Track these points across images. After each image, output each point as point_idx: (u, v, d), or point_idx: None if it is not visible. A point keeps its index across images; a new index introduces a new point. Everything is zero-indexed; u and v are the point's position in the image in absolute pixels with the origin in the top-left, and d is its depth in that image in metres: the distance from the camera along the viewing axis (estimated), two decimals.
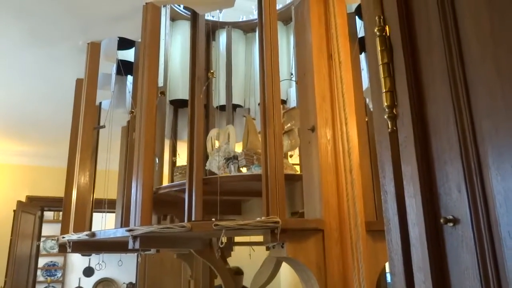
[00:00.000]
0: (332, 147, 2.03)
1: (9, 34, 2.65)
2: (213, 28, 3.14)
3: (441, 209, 0.67)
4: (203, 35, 2.66)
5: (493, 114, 0.60)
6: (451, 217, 0.65)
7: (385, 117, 0.79)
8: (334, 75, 2.10)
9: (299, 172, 2.26)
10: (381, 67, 0.80)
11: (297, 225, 1.88)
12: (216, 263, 2.78)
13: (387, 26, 0.81)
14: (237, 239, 3.00)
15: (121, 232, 2.02)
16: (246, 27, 3.22)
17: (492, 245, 0.59)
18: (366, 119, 2.33)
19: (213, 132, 2.54)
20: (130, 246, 1.96)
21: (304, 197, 2.12)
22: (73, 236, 2.36)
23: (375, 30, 0.82)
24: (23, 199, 5.36)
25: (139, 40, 2.57)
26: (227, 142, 2.41)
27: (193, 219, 2.16)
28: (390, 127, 0.78)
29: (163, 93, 2.77)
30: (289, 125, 2.44)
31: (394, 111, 0.78)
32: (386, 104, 0.79)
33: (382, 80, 0.79)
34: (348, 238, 1.89)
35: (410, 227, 0.71)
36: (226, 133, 2.47)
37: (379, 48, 0.81)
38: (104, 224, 3.27)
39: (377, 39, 0.81)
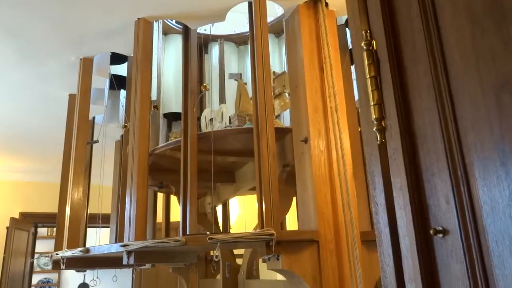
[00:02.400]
0: (326, 157, 2.04)
1: (0, 52, 2.66)
2: (205, 41, 3.16)
3: (431, 220, 0.68)
4: (196, 49, 2.68)
5: (477, 126, 0.61)
6: (440, 228, 0.65)
7: (374, 129, 0.80)
8: (326, 87, 2.12)
9: None
10: (368, 81, 0.81)
11: (292, 237, 1.88)
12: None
13: (373, 40, 0.82)
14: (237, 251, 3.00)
15: (116, 248, 2.01)
16: (238, 40, 3.24)
17: (481, 254, 0.59)
18: (359, 129, 2.36)
19: (206, 112, 2.57)
20: (125, 261, 1.94)
21: (299, 208, 2.12)
22: (67, 253, 2.34)
23: (362, 44, 0.83)
24: (17, 216, 5.31)
25: (132, 55, 2.58)
26: (221, 121, 2.45)
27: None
28: (379, 139, 0.79)
29: (156, 107, 2.78)
30: (278, 89, 2.55)
31: (382, 123, 0.79)
32: (374, 116, 0.80)
33: (370, 93, 0.81)
34: (344, 249, 1.89)
35: (401, 238, 0.72)
36: (220, 112, 2.54)
37: (366, 62, 0.82)
38: (99, 239, 3.25)
39: (364, 53, 0.83)
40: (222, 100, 3.07)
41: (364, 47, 0.83)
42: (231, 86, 3.18)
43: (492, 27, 0.60)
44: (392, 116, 0.76)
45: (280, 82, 2.57)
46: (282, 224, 3.23)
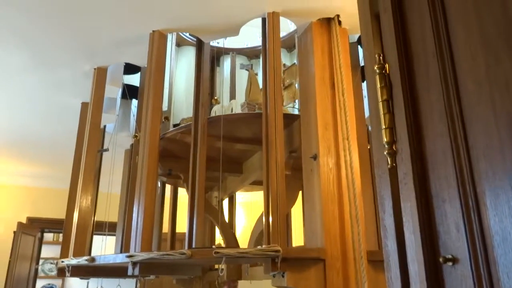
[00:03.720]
0: (335, 175, 2.03)
1: (15, 59, 2.71)
2: (217, 54, 3.20)
3: (441, 248, 0.67)
4: (208, 61, 2.71)
5: (490, 154, 0.61)
6: (450, 256, 0.65)
7: (385, 153, 0.80)
8: (337, 104, 2.13)
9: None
10: (380, 104, 0.81)
11: (298, 254, 1.87)
12: None
13: (386, 64, 0.82)
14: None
15: (121, 258, 2.01)
16: (250, 53, 3.27)
17: (491, 286, 0.59)
18: (368, 147, 2.35)
19: (217, 107, 2.62)
20: (130, 272, 1.94)
21: (306, 225, 2.11)
22: (72, 261, 2.35)
23: (375, 68, 0.84)
24: (24, 220, 5.35)
25: (145, 66, 2.61)
26: None
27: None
28: (389, 163, 0.79)
29: (167, 118, 2.80)
30: (288, 81, 2.64)
31: (393, 147, 0.79)
32: (385, 140, 0.80)
33: (382, 116, 0.81)
34: (350, 269, 1.87)
35: (409, 264, 0.71)
36: (230, 108, 2.60)
37: (378, 85, 0.82)
38: (104, 247, 3.25)
39: (377, 76, 0.83)
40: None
41: (377, 71, 0.83)
42: (242, 99, 3.21)
43: (507, 55, 0.60)
44: (404, 141, 0.76)
45: (290, 74, 2.67)
46: (288, 238, 3.22)
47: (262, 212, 2.04)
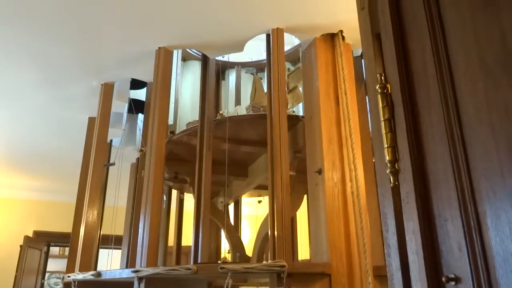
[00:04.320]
0: (340, 189, 2.04)
1: (25, 75, 2.76)
2: (223, 68, 3.23)
3: (443, 267, 0.68)
4: (213, 76, 2.75)
5: (490, 175, 0.62)
6: (452, 275, 0.65)
7: (387, 171, 0.81)
8: (342, 118, 2.14)
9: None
10: (382, 123, 0.83)
11: (303, 269, 1.87)
12: None
13: (388, 83, 0.84)
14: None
15: (127, 273, 2.02)
16: (255, 67, 3.30)
17: None
18: (374, 160, 2.35)
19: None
20: (135, 287, 1.95)
21: (311, 239, 2.11)
22: (78, 276, 2.36)
23: (377, 87, 0.85)
24: (30, 234, 5.37)
25: (151, 81, 2.65)
26: None
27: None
28: (392, 181, 0.80)
29: (173, 132, 2.82)
30: (292, 84, 2.72)
31: (396, 166, 0.80)
32: (388, 159, 0.81)
33: (384, 135, 0.82)
34: (357, 284, 1.86)
35: (413, 283, 0.72)
36: (236, 113, 2.67)
37: (380, 105, 0.84)
38: (110, 261, 3.26)
39: (379, 95, 0.85)
40: None
41: (379, 90, 0.85)
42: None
43: (505, 80, 0.61)
44: (406, 160, 0.77)
45: (294, 77, 2.74)
46: (294, 253, 3.23)
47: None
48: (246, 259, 2.76)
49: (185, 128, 2.87)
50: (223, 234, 3.43)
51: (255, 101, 2.65)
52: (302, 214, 3.70)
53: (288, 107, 2.60)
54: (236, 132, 2.54)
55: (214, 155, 2.44)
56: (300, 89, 2.64)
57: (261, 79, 2.91)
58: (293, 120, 2.38)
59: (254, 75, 2.89)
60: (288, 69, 2.79)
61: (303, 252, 3.56)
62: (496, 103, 0.62)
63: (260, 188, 3.17)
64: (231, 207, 3.64)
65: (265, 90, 2.60)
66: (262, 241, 2.60)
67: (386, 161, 0.81)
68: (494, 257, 0.60)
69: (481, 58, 0.65)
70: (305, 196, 2.59)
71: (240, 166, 3.08)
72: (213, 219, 2.92)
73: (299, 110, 2.81)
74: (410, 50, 0.82)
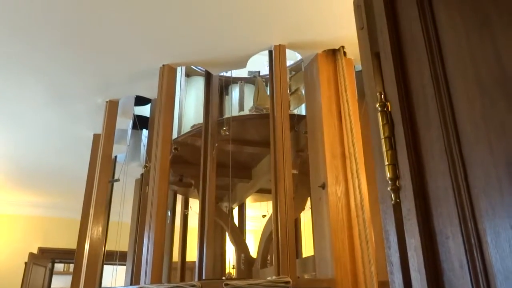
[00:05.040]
0: (344, 203, 2.04)
1: (31, 93, 2.80)
2: (226, 83, 3.27)
3: (445, 284, 0.68)
4: (217, 92, 2.78)
5: (489, 193, 0.63)
6: None
7: (389, 189, 0.81)
8: (345, 133, 2.15)
9: None
10: (383, 141, 0.84)
11: (308, 285, 1.86)
12: None
13: (388, 102, 0.85)
14: None
15: None
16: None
17: None
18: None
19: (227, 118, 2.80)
20: None
21: (316, 255, 2.10)
22: None
23: (377, 106, 0.87)
24: (35, 250, 5.37)
25: (155, 98, 2.68)
26: None
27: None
28: (393, 199, 0.80)
29: (177, 148, 2.84)
30: (294, 86, 2.81)
31: (397, 183, 0.81)
32: (389, 176, 0.82)
33: (385, 153, 0.83)
34: None
35: None
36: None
37: (381, 123, 0.85)
38: (115, 277, 3.25)
39: (379, 114, 0.86)
40: None
41: (379, 108, 0.86)
42: None
43: (502, 98, 0.62)
44: (406, 177, 0.78)
45: (296, 80, 2.83)
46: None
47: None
48: (251, 261, 2.80)
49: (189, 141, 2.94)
50: (227, 248, 3.44)
51: (258, 102, 2.73)
52: (306, 227, 3.70)
53: (290, 109, 2.69)
54: (239, 132, 2.62)
55: (218, 158, 2.51)
56: (302, 91, 2.68)
57: (264, 82, 2.98)
58: (296, 119, 2.46)
59: (257, 77, 2.96)
60: (290, 71, 2.87)
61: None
62: (493, 121, 0.63)
63: (264, 192, 3.22)
64: (235, 212, 3.70)
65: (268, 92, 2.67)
66: (267, 241, 2.65)
67: (387, 178, 0.82)
68: (496, 275, 0.60)
69: (477, 77, 0.67)
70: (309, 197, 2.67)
71: (244, 168, 3.17)
72: (218, 221, 3.00)
73: (301, 110, 2.88)
74: (409, 69, 0.84)
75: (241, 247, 2.82)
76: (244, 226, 3.72)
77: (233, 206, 3.48)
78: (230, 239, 3.03)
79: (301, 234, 3.45)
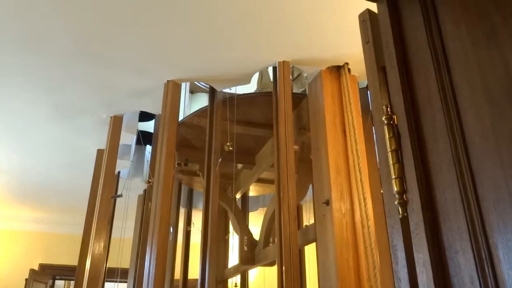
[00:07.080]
0: (348, 220, 2.01)
1: (37, 108, 2.81)
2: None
3: None
4: (220, 108, 2.78)
5: (500, 206, 0.61)
6: None
7: (396, 203, 0.80)
8: (349, 149, 2.14)
9: None
10: (389, 154, 0.83)
11: None
12: None
13: (394, 115, 0.85)
14: None
15: None
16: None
17: None
18: (382, 191, 2.33)
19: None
20: None
21: (319, 273, 2.07)
22: None
23: (383, 119, 0.86)
24: (36, 267, 5.31)
25: (159, 113, 2.69)
26: None
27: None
28: (401, 213, 0.79)
29: (180, 164, 2.84)
30: (296, 72, 2.90)
31: (404, 197, 0.79)
32: (396, 190, 0.80)
33: (391, 166, 0.82)
34: None
35: None
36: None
37: (387, 136, 0.84)
38: None
39: (385, 127, 0.85)
40: None
41: (385, 121, 0.85)
42: None
43: (511, 109, 0.62)
44: (414, 191, 0.77)
45: (298, 83, 2.91)
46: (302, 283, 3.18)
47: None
48: (254, 243, 2.82)
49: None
50: (229, 264, 3.40)
51: (262, 86, 2.77)
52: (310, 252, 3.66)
53: (294, 90, 2.77)
54: (243, 112, 2.71)
55: (222, 140, 2.57)
56: (305, 75, 2.76)
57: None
58: (297, 98, 2.54)
59: None
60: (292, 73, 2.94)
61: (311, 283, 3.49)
62: (502, 132, 0.62)
63: (266, 182, 3.35)
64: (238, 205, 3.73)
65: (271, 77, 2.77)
66: (269, 221, 2.65)
67: (394, 192, 0.80)
68: None
69: (485, 87, 0.66)
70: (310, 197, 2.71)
71: (248, 154, 3.22)
72: (222, 204, 3.06)
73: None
74: (415, 81, 0.83)
75: (243, 229, 2.87)
76: (247, 215, 3.75)
77: (237, 195, 3.52)
78: (232, 223, 3.05)
79: (305, 268, 3.42)
